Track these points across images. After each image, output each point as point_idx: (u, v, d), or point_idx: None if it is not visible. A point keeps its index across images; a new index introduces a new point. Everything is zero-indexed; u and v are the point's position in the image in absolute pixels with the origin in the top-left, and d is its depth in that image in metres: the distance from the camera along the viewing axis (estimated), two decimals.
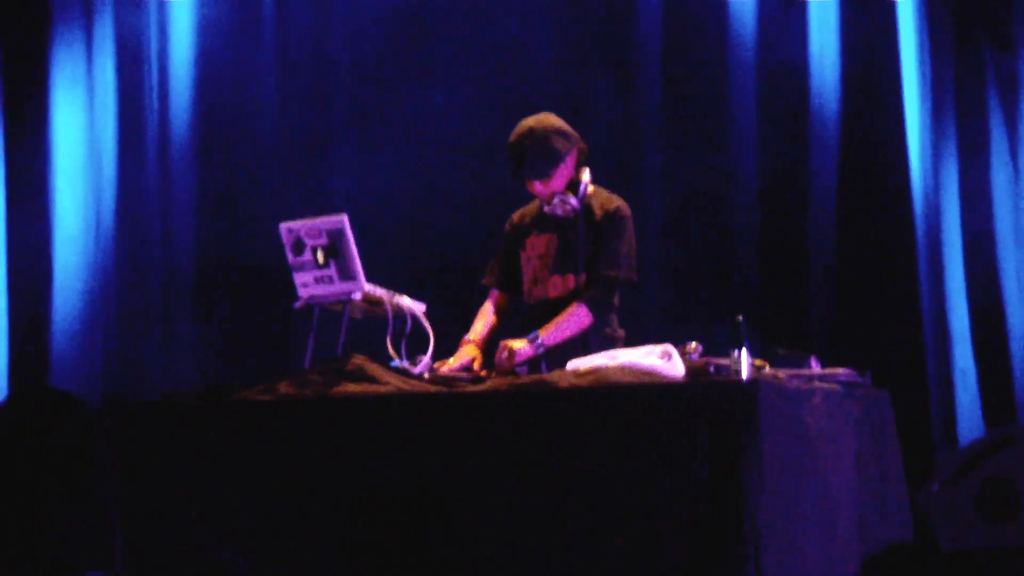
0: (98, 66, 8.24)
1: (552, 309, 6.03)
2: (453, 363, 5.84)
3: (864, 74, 8.00)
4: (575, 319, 5.95)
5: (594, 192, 6.08)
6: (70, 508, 3.19)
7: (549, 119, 6.06)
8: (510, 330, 6.10)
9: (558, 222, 6.09)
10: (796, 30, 8.09)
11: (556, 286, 6.09)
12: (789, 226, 8.06)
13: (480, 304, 6.26)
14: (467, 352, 5.98)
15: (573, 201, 6.01)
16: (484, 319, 6.19)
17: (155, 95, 8.30)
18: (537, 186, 6.02)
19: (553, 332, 5.89)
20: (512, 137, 6.03)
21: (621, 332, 6.13)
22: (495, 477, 4.97)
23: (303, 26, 8.47)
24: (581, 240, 6.03)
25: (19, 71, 8.14)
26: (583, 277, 6.03)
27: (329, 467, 5.16)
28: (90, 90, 8.22)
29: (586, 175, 6.05)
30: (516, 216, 6.30)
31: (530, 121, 6.04)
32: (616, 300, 6.11)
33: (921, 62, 7.93)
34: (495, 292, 6.27)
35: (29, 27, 8.16)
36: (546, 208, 6.07)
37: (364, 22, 8.44)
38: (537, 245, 6.15)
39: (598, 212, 6.08)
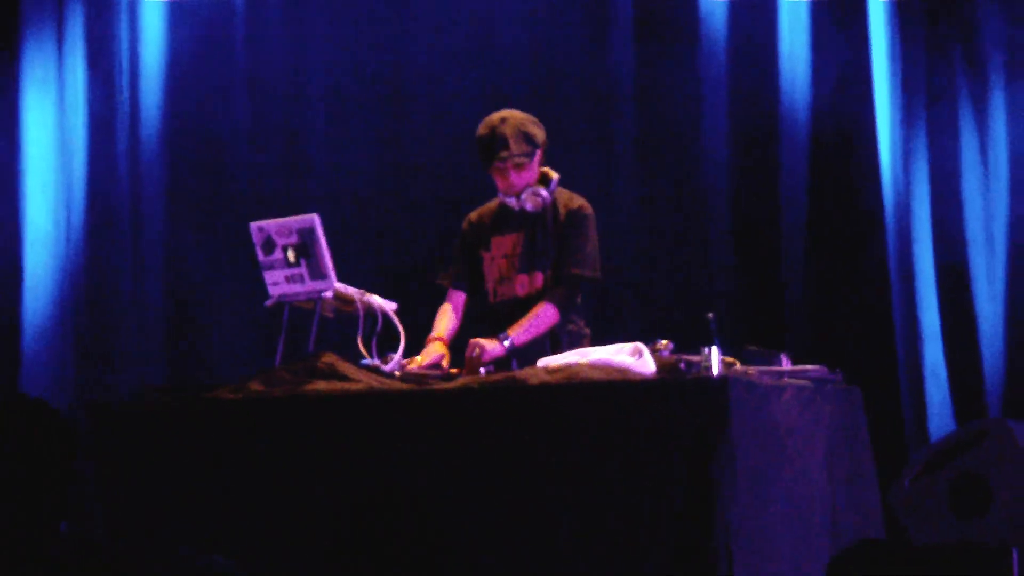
0: (68, 67, 8.22)
1: (520, 307, 6.03)
2: (422, 360, 5.84)
3: (835, 72, 8.02)
4: (543, 318, 5.95)
5: (557, 191, 6.09)
6: (47, 517, 3.18)
7: (517, 111, 6.08)
8: (475, 329, 6.11)
9: (524, 220, 6.08)
10: (766, 31, 8.10)
11: (524, 285, 6.09)
12: (760, 223, 8.07)
13: (437, 304, 6.25)
14: (435, 349, 5.98)
15: (544, 193, 6.02)
16: (446, 318, 6.18)
17: (126, 95, 8.28)
18: (512, 175, 6.02)
19: (521, 332, 5.89)
20: (484, 129, 6.04)
21: (587, 330, 6.14)
22: (467, 474, 4.98)
23: (276, 24, 8.46)
24: (550, 237, 6.04)
25: None
26: (550, 274, 6.04)
27: (301, 465, 5.16)
28: (60, 90, 8.19)
29: (554, 173, 6.07)
30: (473, 216, 6.30)
31: (501, 113, 6.06)
32: (579, 299, 6.12)
33: (892, 60, 7.96)
34: (453, 292, 6.26)
35: None
36: (512, 203, 6.06)
37: (339, 22, 8.43)
38: (503, 244, 6.15)
39: (561, 211, 6.09)
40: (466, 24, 8.38)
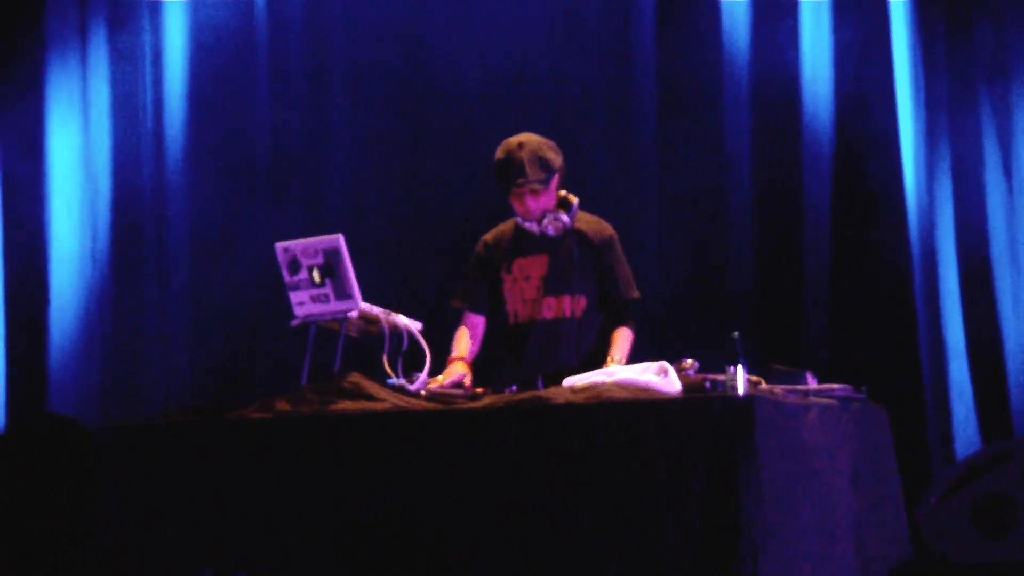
0: (93, 87, 8.25)
1: (547, 330, 6.06)
2: (443, 380, 5.84)
3: (857, 89, 8.00)
4: (630, 342, 6.09)
5: (578, 214, 6.11)
6: (73, 532, 3.19)
7: (534, 135, 6.09)
8: (493, 351, 6.14)
9: (549, 243, 6.10)
10: (788, 41, 8.09)
11: (551, 307, 6.11)
12: (784, 242, 8.05)
13: (454, 326, 6.27)
14: (457, 369, 5.99)
15: (565, 218, 6.03)
16: (465, 339, 6.20)
17: (150, 114, 8.31)
18: (529, 200, 6.03)
19: (624, 358, 5.98)
20: (501, 153, 6.05)
21: None
22: (492, 494, 4.97)
23: (298, 43, 8.48)
24: (576, 262, 6.05)
25: (15, 91, 8.15)
26: (580, 299, 6.06)
27: (326, 484, 5.15)
28: (85, 110, 8.22)
29: (574, 197, 6.09)
30: (489, 237, 6.31)
31: (519, 137, 6.07)
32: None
33: (915, 76, 7.93)
34: (470, 315, 6.28)
35: (24, 50, 8.17)
36: (532, 227, 6.07)
37: (360, 39, 8.44)
38: (528, 266, 6.16)
39: (592, 236, 6.12)
40: (488, 26, 8.37)
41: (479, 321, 6.26)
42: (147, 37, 8.33)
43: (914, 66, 7.94)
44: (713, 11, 8.16)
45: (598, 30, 8.32)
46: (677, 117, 8.21)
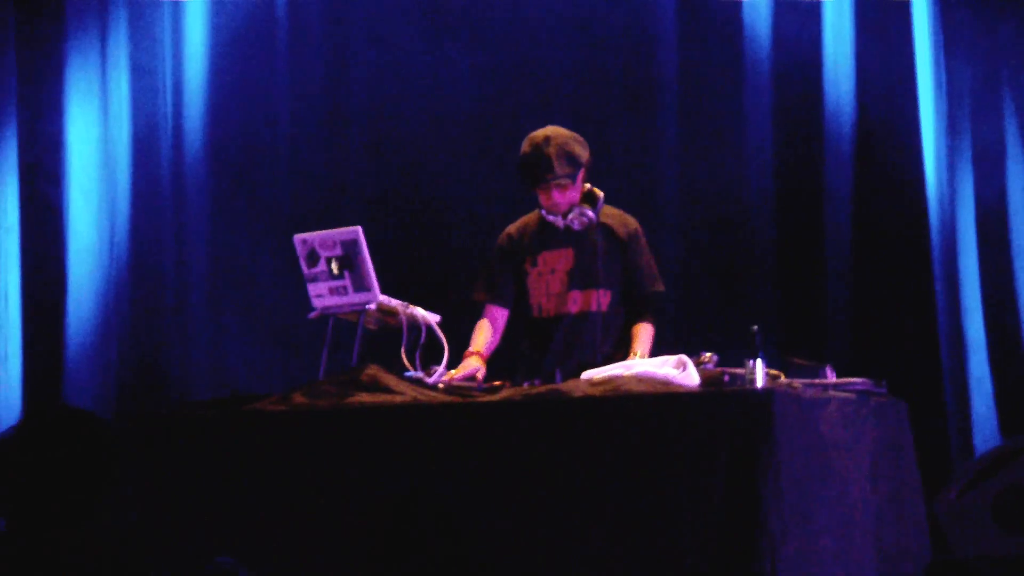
0: (112, 79, 8.25)
1: (573, 324, 6.07)
2: (456, 374, 5.82)
3: (879, 83, 7.99)
4: (652, 336, 6.08)
5: (604, 207, 6.10)
6: (89, 526, 3.18)
7: (562, 129, 6.07)
8: (515, 343, 6.15)
9: (573, 237, 6.08)
10: (811, 37, 8.08)
11: (576, 301, 6.10)
12: (804, 236, 8.04)
13: (474, 318, 6.26)
14: (471, 363, 5.98)
15: (590, 213, 6.02)
16: (484, 333, 6.18)
17: (169, 107, 8.30)
18: (555, 194, 6.02)
19: (646, 352, 5.96)
20: (527, 146, 6.03)
21: None
22: (510, 487, 4.96)
23: (317, 38, 8.48)
24: (602, 256, 6.04)
25: (35, 84, 8.15)
26: (606, 293, 6.05)
27: (344, 477, 5.15)
28: (104, 103, 8.22)
29: (600, 191, 6.07)
30: (513, 230, 6.29)
31: (545, 130, 6.05)
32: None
33: (936, 69, 7.92)
34: (492, 307, 6.26)
35: (45, 41, 8.16)
36: (557, 221, 6.06)
37: (380, 35, 8.43)
38: (553, 260, 6.15)
39: (619, 230, 6.12)
40: (508, 31, 8.37)
41: (501, 314, 6.25)
42: (167, 27, 8.32)
43: (936, 54, 7.93)
44: (735, 2, 8.15)
45: (619, 22, 8.31)
46: (698, 109, 8.21)
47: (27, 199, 8.09)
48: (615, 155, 8.02)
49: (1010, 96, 7.85)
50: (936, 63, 7.93)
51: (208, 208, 8.34)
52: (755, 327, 4.99)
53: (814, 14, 8.10)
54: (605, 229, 6.09)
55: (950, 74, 7.89)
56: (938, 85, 7.92)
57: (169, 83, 8.32)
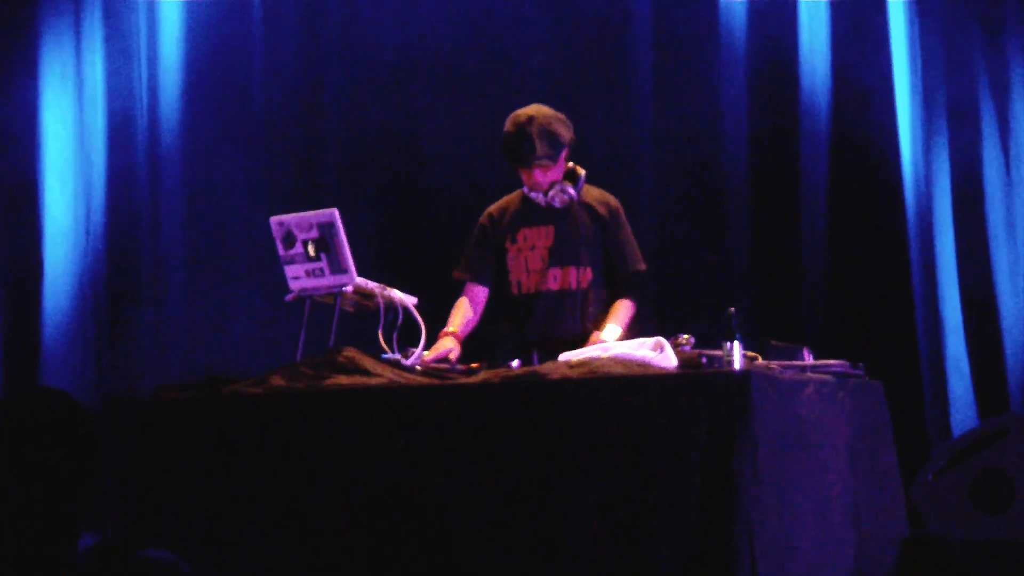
0: (87, 62, 8.22)
1: (552, 300, 6.06)
2: (428, 356, 5.81)
3: (855, 66, 7.99)
4: (629, 313, 6.07)
5: (584, 186, 6.10)
6: (68, 509, 3.16)
7: (545, 108, 6.07)
8: (495, 321, 6.14)
9: (553, 214, 6.09)
10: (786, 25, 8.08)
11: (556, 278, 6.10)
12: (781, 218, 8.05)
13: (454, 297, 6.25)
14: (444, 344, 5.97)
15: (571, 191, 6.02)
16: (462, 312, 6.18)
17: (144, 89, 8.27)
18: (537, 174, 6.02)
19: (619, 329, 5.95)
20: (510, 125, 6.03)
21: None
22: (487, 468, 4.96)
23: (294, 14, 8.46)
24: (583, 233, 6.04)
25: (7, 67, 8.12)
26: (586, 270, 6.05)
27: (322, 459, 5.15)
28: (79, 86, 8.19)
29: (582, 170, 6.07)
30: (494, 209, 6.29)
31: (528, 110, 6.05)
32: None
33: (911, 49, 7.93)
34: (472, 285, 6.25)
35: (18, 22, 8.13)
36: (539, 199, 6.06)
37: (355, 23, 8.42)
38: (533, 237, 6.15)
39: (600, 208, 6.12)
40: (483, 22, 8.36)
41: (481, 292, 6.24)
42: (142, 8, 8.29)
43: (911, 36, 7.93)
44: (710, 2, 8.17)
45: (595, 9, 8.30)
46: (674, 94, 8.20)
47: (2, 183, 8.06)
48: (589, 138, 8.01)
49: (986, 77, 7.86)
50: (911, 44, 7.94)
51: (184, 190, 8.31)
52: (732, 309, 5.00)
53: (790, 6, 8.10)
54: (586, 207, 6.10)
55: (925, 55, 7.90)
56: (913, 68, 7.93)
57: (144, 65, 8.29)
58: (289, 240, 5.70)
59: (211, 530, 5.24)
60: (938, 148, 7.87)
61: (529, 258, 6.15)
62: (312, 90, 8.46)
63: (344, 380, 5.29)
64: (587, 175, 6.10)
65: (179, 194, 8.30)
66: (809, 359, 5.36)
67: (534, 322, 6.10)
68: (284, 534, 5.16)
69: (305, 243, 5.68)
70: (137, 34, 8.28)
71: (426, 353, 5.81)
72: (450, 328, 6.08)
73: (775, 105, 8.12)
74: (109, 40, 8.25)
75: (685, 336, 5.31)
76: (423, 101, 8.38)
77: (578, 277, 6.08)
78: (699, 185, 8.15)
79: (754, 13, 8.14)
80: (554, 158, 6.02)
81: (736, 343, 4.96)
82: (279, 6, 8.46)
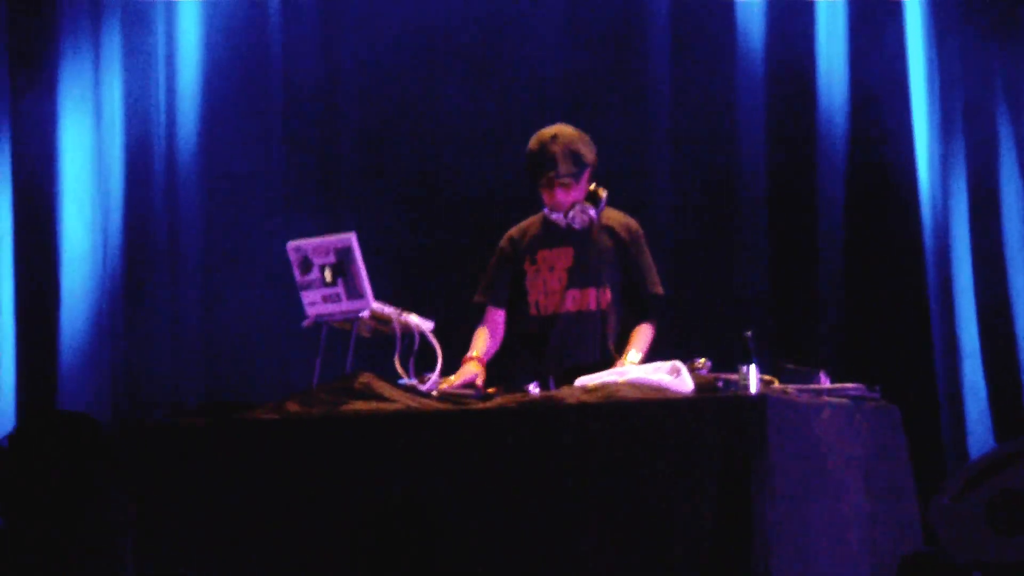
0: (105, 87, 8.24)
1: (571, 322, 6.05)
2: (455, 380, 5.82)
3: (872, 84, 7.98)
4: (649, 337, 6.04)
5: (606, 209, 6.10)
6: (86, 532, 3.17)
7: (569, 128, 6.08)
8: (512, 342, 6.14)
9: (573, 235, 6.08)
10: (804, 37, 8.07)
11: (575, 299, 6.09)
12: (797, 240, 8.03)
13: (474, 322, 6.25)
14: (470, 369, 5.96)
15: (592, 212, 6.02)
16: (484, 337, 6.18)
17: (162, 115, 8.30)
18: (559, 193, 6.02)
19: (640, 354, 5.93)
20: (534, 143, 6.04)
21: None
22: (503, 494, 4.96)
23: (311, 44, 8.47)
24: (603, 254, 6.03)
25: (27, 90, 8.14)
26: (605, 292, 6.04)
27: (338, 485, 5.15)
28: (97, 111, 8.21)
29: (603, 191, 6.07)
30: (515, 232, 6.29)
31: (552, 129, 6.06)
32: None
33: (929, 71, 7.91)
34: (492, 310, 6.25)
35: (37, 46, 8.16)
36: (559, 219, 6.06)
37: (373, 39, 8.42)
38: (552, 258, 6.14)
39: (620, 230, 6.11)
40: (501, 31, 8.35)
41: (501, 317, 6.24)
42: (160, 35, 8.31)
43: (928, 57, 7.91)
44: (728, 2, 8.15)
45: (611, 21, 8.30)
46: (690, 98, 8.18)
47: (20, 207, 8.08)
48: (605, 154, 8.01)
49: (1003, 97, 7.84)
50: (929, 64, 7.92)
51: (202, 216, 8.32)
52: (748, 332, 4.99)
53: (807, 13, 8.09)
54: (607, 229, 6.09)
55: (943, 75, 7.88)
56: (931, 87, 7.90)
57: (163, 91, 8.31)
58: (306, 265, 5.71)
59: (227, 555, 5.25)
60: (955, 170, 7.84)
61: (548, 279, 6.15)
62: (331, 115, 8.46)
63: (360, 406, 5.30)
64: (607, 192, 6.10)
65: (197, 221, 8.31)
66: (825, 382, 5.36)
67: (552, 343, 6.09)
68: (300, 560, 5.16)
69: (322, 268, 5.69)
70: (156, 58, 8.30)
71: (452, 378, 5.82)
72: (473, 353, 6.08)
73: (792, 125, 8.09)
74: (128, 64, 8.28)
75: (702, 360, 5.31)
76: (441, 111, 8.36)
77: (597, 298, 6.07)
78: (716, 209, 8.12)
79: (771, 17, 8.12)
80: (577, 177, 6.03)
81: (752, 367, 4.96)
82: (299, 30, 8.47)
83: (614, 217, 6.15)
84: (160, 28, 8.32)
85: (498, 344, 6.21)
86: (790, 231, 8.06)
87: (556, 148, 5.98)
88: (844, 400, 5.23)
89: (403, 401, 5.32)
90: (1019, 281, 7.72)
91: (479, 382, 5.88)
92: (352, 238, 5.65)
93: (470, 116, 8.31)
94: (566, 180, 6.00)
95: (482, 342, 6.15)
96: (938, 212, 7.86)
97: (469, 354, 6.08)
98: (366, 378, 5.40)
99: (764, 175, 8.10)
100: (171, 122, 8.31)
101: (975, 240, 7.81)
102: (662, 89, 8.21)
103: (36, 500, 3.15)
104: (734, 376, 5.03)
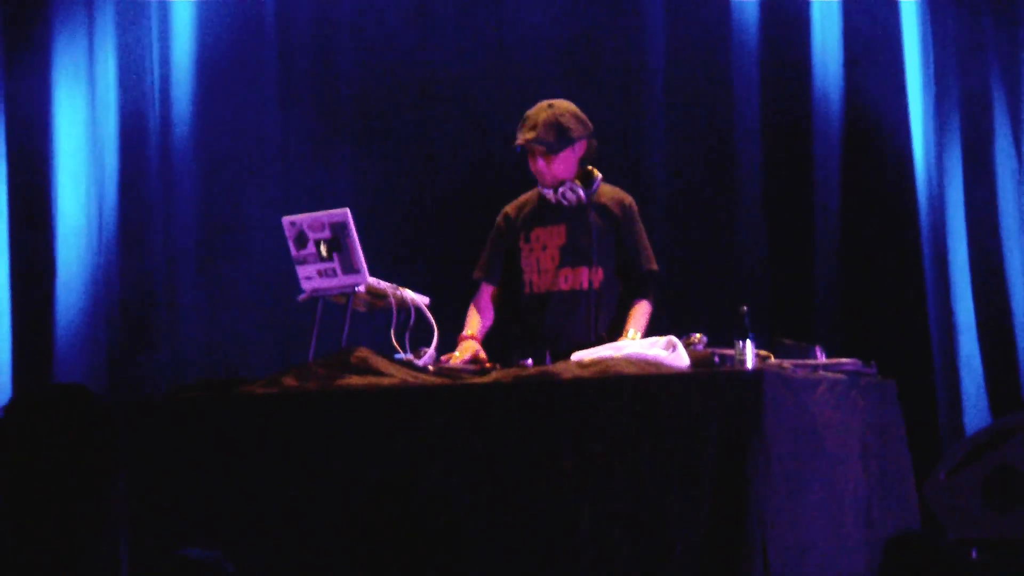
0: (99, 62, 8.22)
1: (564, 301, 6.04)
2: (460, 356, 5.81)
3: (867, 68, 7.98)
4: (648, 314, 6.03)
5: (601, 187, 6.08)
6: (86, 508, 3.16)
7: (568, 102, 6.07)
8: (508, 321, 6.13)
9: (567, 214, 6.07)
10: (798, 25, 8.07)
11: (567, 278, 6.08)
12: (793, 217, 8.04)
13: (471, 298, 6.25)
14: (469, 347, 5.96)
15: (580, 190, 6.00)
16: (478, 314, 6.18)
17: (156, 90, 8.28)
18: (540, 162, 6.00)
19: (640, 331, 5.92)
20: (530, 110, 6.04)
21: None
22: (499, 468, 4.96)
23: (306, 20, 8.46)
24: (595, 232, 6.01)
25: (20, 67, 8.12)
26: (598, 271, 6.03)
27: (334, 460, 5.15)
28: (92, 86, 8.19)
29: (598, 172, 6.05)
30: (511, 209, 6.27)
31: (553, 100, 6.06)
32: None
33: (924, 58, 7.91)
34: (487, 286, 6.25)
35: (30, 22, 8.13)
36: (551, 196, 6.05)
37: (368, 20, 8.41)
38: (545, 236, 6.13)
39: (613, 206, 6.09)
40: (494, 18, 8.35)
41: (495, 292, 6.24)
42: (154, 8, 8.29)
43: (924, 45, 7.92)
44: None
45: (607, 13, 8.29)
46: (686, 93, 8.18)
47: (14, 182, 8.07)
48: (602, 136, 8.01)
49: (998, 77, 7.84)
50: (924, 51, 7.92)
51: (196, 190, 8.31)
52: (744, 308, 4.99)
53: (802, 6, 8.08)
54: (599, 207, 6.07)
55: (938, 56, 7.88)
56: (926, 67, 7.91)
57: (157, 65, 8.29)
58: (301, 240, 5.71)
59: (223, 530, 5.24)
60: (951, 148, 7.85)
61: (541, 258, 6.14)
62: (325, 91, 8.45)
63: (356, 380, 5.30)
64: (602, 172, 6.09)
65: (191, 195, 8.30)
66: (821, 358, 5.36)
67: (546, 322, 6.08)
68: (296, 534, 5.16)
69: (317, 243, 5.69)
70: (150, 35, 8.28)
71: (456, 354, 5.82)
72: (468, 331, 6.08)
73: (787, 103, 8.09)
74: (122, 41, 8.25)
75: (697, 335, 5.31)
76: (436, 97, 8.36)
77: (590, 277, 6.05)
78: (711, 183, 8.13)
79: (766, 9, 8.13)
80: (553, 148, 5.99)
81: (748, 342, 4.95)
82: (293, 8, 8.45)
83: (607, 193, 6.13)
84: (153, 4, 8.30)
85: (491, 321, 6.21)
86: (786, 206, 8.07)
87: (543, 116, 5.98)
88: (840, 375, 5.23)
89: (399, 376, 5.31)
90: (1015, 255, 7.73)
91: (482, 356, 5.87)
92: (347, 213, 5.65)
93: (465, 103, 8.30)
94: (540, 148, 5.98)
95: (476, 320, 6.15)
96: (933, 186, 7.87)
97: (465, 332, 6.08)
98: (362, 352, 5.39)
99: (759, 152, 8.11)
100: (165, 96, 8.29)
101: (970, 214, 7.82)
102: (657, 83, 8.21)
103: (32, 471, 3.14)
104: (730, 351, 5.03)
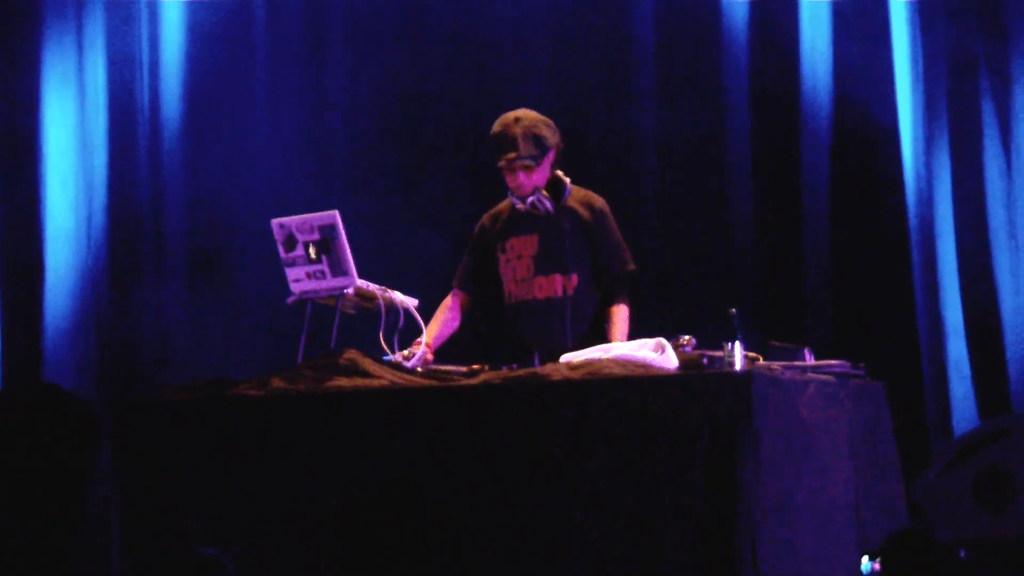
0: (89, 64, 8.22)
1: (539, 310, 6.03)
2: (406, 358, 5.76)
3: (856, 66, 7.99)
4: (626, 318, 6.02)
5: (571, 191, 6.06)
6: (69, 508, 3.16)
7: (532, 111, 6.06)
8: (486, 329, 6.13)
9: (540, 222, 6.05)
10: (788, 22, 8.08)
11: (542, 287, 6.07)
12: (783, 219, 8.04)
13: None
14: (419, 353, 5.92)
15: (547, 202, 5.97)
16: (438, 323, 6.15)
17: (146, 92, 8.27)
18: (521, 176, 5.99)
19: (620, 337, 5.90)
20: (497, 126, 6.02)
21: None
22: (489, 470, 4.97)
23: (297, 11, 8.45)
24: (568, 242, 6.00)
25: (10, 69, 8.12)
26: (572, 277, 6.02)
27: (323, 461, 5.15)
28: (81, 88, 8.19)
29: (566, 177, 6.03)
30: (487, 218, 6.28)
31: (516, 112, 6.05)
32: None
33: (914, 54, 7.92)
34: (457, 294, 6.26)
35: (20, 26, 8.13)
36: (522, 207, 6.03)
37: (359, 19, 8.41)
38: (518, 246, 6.12)
39: (583, 211, 6.06)
40: (485, 24, 8.35)
41: (464, 299, 6.25)
42: (144, 11, 8.29)
43: (912, 40, 7.93)
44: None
45: (598, 10, 8.30)
46: (676, 95, 8.19)
47: (4, 185, 8.06)
48: (592, 138, 8.02)
49: (987, 78, 7.85)
50: (913, 47, 7.93)
51: (186, 191, 8.31)
52: (733, 310, 5.00)
53: (791, 10, 8.09)
54: (570, 212, 6.05)
55: (927, 57, 7.90)
56: (915, 68, 7.92)
57: (146, 66, 8.29)
58: (290, 242, 5.71)
59: (212, 531, 5.24)
60: (940, 150, 7.87)
61: (517, 267, 6.13)
62: (318, 89, 8.45)
63: (345, 382, 5.29)
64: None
65: (181, 196, 8.30)
66: (810, 360, 5.36)
67: (523, 331, 6.08)
68: (284, 535, 5.16)
69: (306, 245, 5.68)
70: (139, 37, 8.28)
71: (404, 352, 5.78)
72: (424, 338, 6.00)
73: (777, 107, 8.10)
74: (111, 43, 8.26)
75: (686, 337, 5.31)
76: (425, 101, 8.36)
77: (564, 284, 6.04)
78: (701, 186, 8.14)
79: (756, 11, 8.13)
80: (537, 160, 5.99)
81: (737, 344, 4.96)
82: (284, 9, 8.45)
83: (577, 197, 6.11)
84: (143, 3, 8.29)
85: (452, 329, 6.20)
86: (775, 208, 8.07)
87: (517, 130, 5.96)
88: (829, 377, 5.24)
89: (388, 377, 5.32)
90: (1003, 258, 7.75)
91: (429, 358, 5.86)
92: (336, 215, 5.65)
93: (455, 106, 8.30)
94: (527, 162, 5.97)
95: (435, 328, 6.12)
96: (922, 190, 7.88)
97: (419, 339, 6.00)
98: (351, 354, 5.40)
99: (749, 155, 8.11)
100: (155, 98, 8.29)
101: (959, 218, 7.84)
102: (647, 79, 8.21)
103: (2, 470, 3.14)
104: (719, 353, 5.04)
